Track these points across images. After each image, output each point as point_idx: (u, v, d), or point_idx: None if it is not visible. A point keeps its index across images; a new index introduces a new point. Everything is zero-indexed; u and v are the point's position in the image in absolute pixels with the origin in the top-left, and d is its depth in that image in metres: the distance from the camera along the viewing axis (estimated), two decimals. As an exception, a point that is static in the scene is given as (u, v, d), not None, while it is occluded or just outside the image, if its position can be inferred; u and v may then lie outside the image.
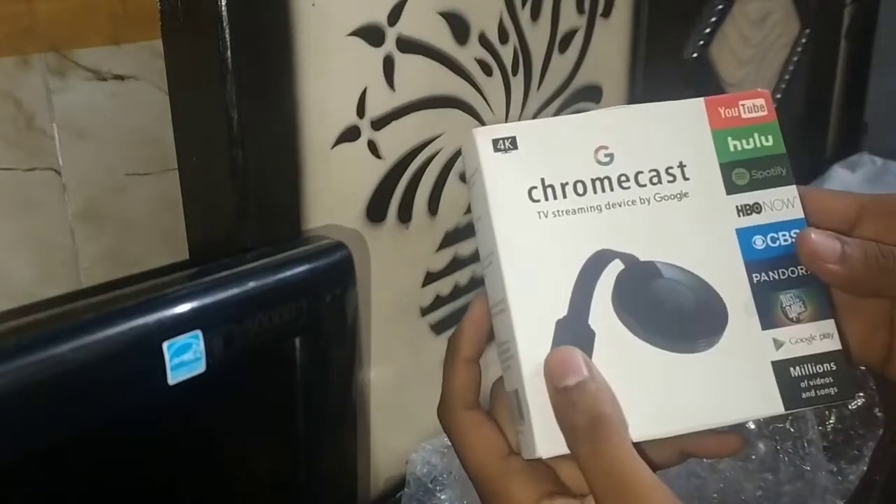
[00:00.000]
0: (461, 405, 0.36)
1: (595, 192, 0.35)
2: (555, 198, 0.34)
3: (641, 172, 0.35)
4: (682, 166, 0.35)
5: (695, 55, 0.93)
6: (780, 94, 1.12)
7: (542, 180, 0.34)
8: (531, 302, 0.33)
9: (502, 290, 0.34)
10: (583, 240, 0.34)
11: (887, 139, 1.31)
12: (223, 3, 0.45)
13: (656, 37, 0.82)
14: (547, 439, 0.33)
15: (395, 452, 0.65)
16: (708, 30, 0.93)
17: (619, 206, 0.35)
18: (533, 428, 0.33)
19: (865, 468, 0.73)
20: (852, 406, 0.77)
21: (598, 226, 0.34)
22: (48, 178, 0.47)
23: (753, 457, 0.71)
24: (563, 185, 0.34)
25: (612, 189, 0.35)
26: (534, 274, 0.34)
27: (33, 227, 0.47)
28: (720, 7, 0.94)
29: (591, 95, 0.77)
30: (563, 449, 0.33)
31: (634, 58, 0.80)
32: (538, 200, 0.34)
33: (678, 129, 0.36)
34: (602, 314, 0.34)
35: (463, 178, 0.63)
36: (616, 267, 0.34)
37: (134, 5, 0.48)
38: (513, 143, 0.35)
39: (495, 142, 0.35)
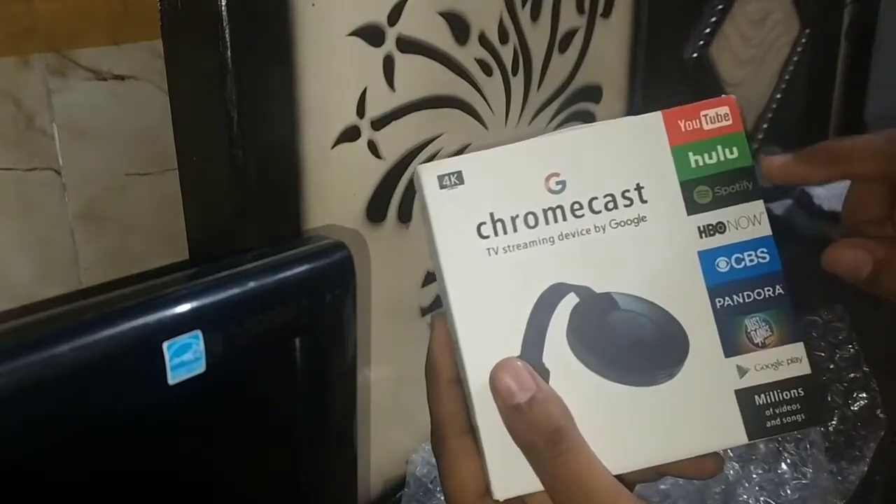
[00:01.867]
0: (453, 432, 0.35)
1: (547, 223, 0.33)
2: (505, 232, 0.33)
3: (595, 198, 0.33)
4: (639, 188, 0.34)
5: (695, 55, 0.93)
6: (780, 94, 1.12)
7: (492, 215, 0.33)
8: (483, 342, 0.33)
9: (454, 330, 0.33)
10: (536, 274, 0.33)
11: (887, 139, 1.30)
12: (223, 3, 0.45)
13: (656, 37, 0.82)
14: (503, 482, 0.32)
15: (395, 452, 0.65)
16: (708, 30, 0.93)
17: (573, 236, 0.33)
18: (489, 470, 0.33)
19: (866, 469, 0.73)
20: (854, 407, 0.77)
21: (551, 258, 0.33)
22: (48, 178, 0.47)
23: (754, 457, 0.71)
24: (514, 219, 0.33)
25: (564, 219, 0.33)
26: (485, 313, 0.33)
27: (33, 227, 0.47)
28: (720, 7, 0.94)
29: (591, 95, 0.77)
30: (519, 490, 0.32)
31: (634, 58, 0.80)
32: (487, 237, 0.33)
33: (634, 148, 0.34)
34: (556, 351, 0.33)
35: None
36: (571, 301, 0.33)
37: (134, 5, 0.48)
38: (458, 177, 0.33)
39: (440, 178, 0.33)
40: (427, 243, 0.35)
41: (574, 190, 0.34)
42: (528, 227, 0.33)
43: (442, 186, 0.33)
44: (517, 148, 0.34)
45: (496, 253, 0.33)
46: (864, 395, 0.77)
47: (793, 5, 1.10)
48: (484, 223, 0.33)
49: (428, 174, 0.33)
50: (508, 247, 0.33)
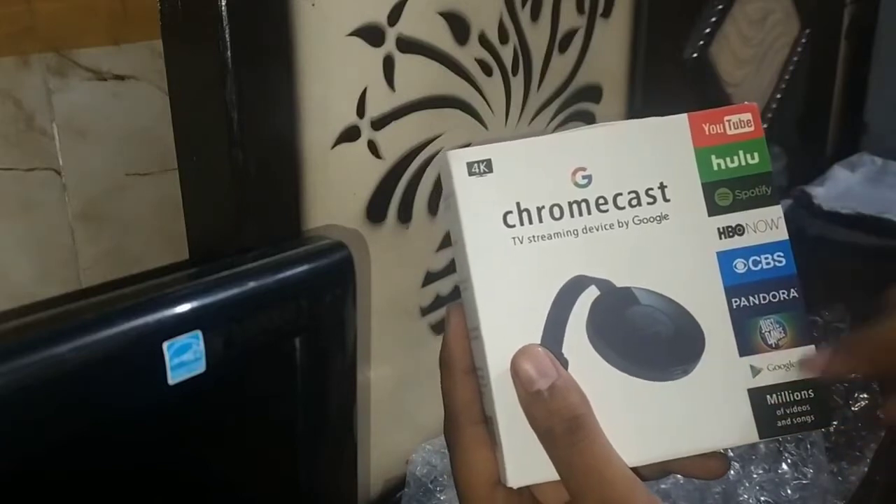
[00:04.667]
0: (467, 421, 0.35)
1: (572, 215, 0.34)
2: (530, 223, 0.34)
3: (620, 194, 0.34)
4: (662, 187, 0.34)
5: (695, 55, 0.93)
6: (780, 94, 1.12)
7: (518, 205, 0.34)
8: (504, 330, 0.33)
9: (476, 317, 0.33)
10: (558, 266, 0.34)
11: (887, 139, 1.31)
12: (223, 3, 0.45)
13: (656, 37, 0.82)
14: (518, 469, 0.33)
15: (395, 452, 0.65)
16: (708, 30, 0.93)
17: (597, 229, 0.34)
18: (504, 457, 0.33)
19: (866, 469, 0.73)
20: (855, 408, 0.77)
21: (574, 251, 0.34)
22: (48, 178, 0.47)
23: (755, 457, 0.71)
24: (539, 210, 0.34)
25: (589, 212, 0.34)
26: (508, 301, 0.33)
27: (33, 227, 0.47)
28: (720, 7, 0.94)
29: (591, 95, 0.77)
30: (534, 479, 0.33)
31: (634, 58, 0.80)
32: (513, 226, 0.34)
33: (660, 147, 0.35)
34: (576, 342, 0.33)
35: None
36: (592, 293, 0.34)
37: (134, 5, 0.48)
38: (488, 166, 0.34)
39: (470, 165, 0.34)
40: (450, 229, 0.35)
41: (600, 185, 0.34)
42: (554, 218, 0.34)
43: (471, 173, 0.34)
44: (546, 140, 0.35)
45: (521, 242, 0.34)
46: (865, 395, 0.77)
47: (793, 5, 1.10)
48: (510, 212, 0.34)
49: (457, 160, 0.34)
50: (533, 237, 0.34)
